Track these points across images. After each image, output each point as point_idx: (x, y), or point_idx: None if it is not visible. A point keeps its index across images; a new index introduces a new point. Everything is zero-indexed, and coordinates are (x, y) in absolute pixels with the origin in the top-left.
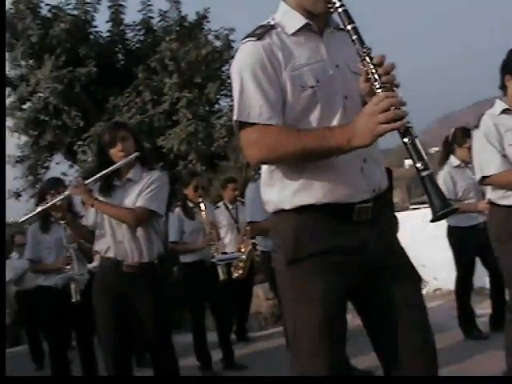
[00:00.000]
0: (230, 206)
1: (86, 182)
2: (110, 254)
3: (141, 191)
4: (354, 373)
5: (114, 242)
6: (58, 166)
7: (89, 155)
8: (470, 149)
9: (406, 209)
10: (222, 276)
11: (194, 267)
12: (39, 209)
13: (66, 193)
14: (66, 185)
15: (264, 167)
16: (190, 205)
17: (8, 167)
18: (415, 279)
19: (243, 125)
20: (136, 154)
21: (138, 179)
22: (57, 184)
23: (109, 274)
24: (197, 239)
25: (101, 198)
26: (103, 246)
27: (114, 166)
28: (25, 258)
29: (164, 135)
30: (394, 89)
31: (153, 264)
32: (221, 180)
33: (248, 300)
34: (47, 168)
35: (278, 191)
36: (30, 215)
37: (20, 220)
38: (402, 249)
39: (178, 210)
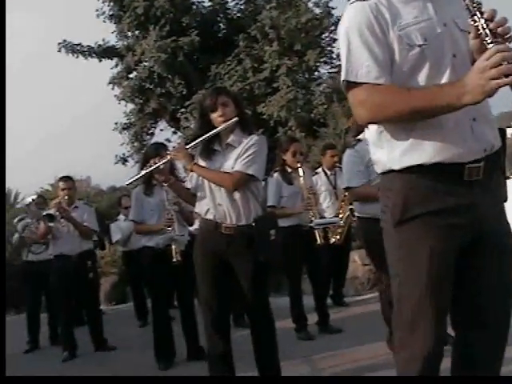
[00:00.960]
0: (329, 172)
1: (187, 146)
2: (210, 216)
3: (239, 155)
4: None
5: (214, 204)
6: (162, 133)
7: (191, 122)
8: None
9: (508, 178)
10: (319, 240)
11: (291, 231)
12: (143, 172)
13: (168, 157)
14: (169, 150)
15: (372, 128)
16: (289, 170)
17: (115, 134)
18: None
19: (351, 85)
20: (235, 119)
21: (238, 144)
22: (160, 149)
23: (208, 235)
24: (295, 204)
25: (201, 162)
26: (203, 208)
27: (214, 131)
28: (129, 220)
29: (264, 102)
30: (507, 43)
31: (250, 226)
32: (320, 146)
33: (345, 265)
34: (152, 134)
35: (387, 152)
36: (134, 178)
37: (125, 183)
38: (506, 216)
39: (276, 174)
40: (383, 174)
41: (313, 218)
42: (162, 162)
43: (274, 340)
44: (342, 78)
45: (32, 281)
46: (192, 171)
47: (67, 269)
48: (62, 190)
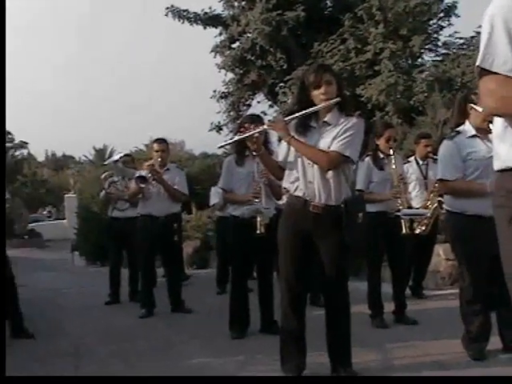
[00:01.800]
0: (421, 162)
1: (286, 119)
2: (299, 193)
3: (336, 135)
4: None
5: (304, 181)
6: (259, 105)
7: (289, 97)
8: None
9: None
10: (404, 230)
11: (377, 217)
12: (237, 137)
13: (264, 126)
14: (264, 123)
15: (498, 120)
16: (381, 155)
17: (212, 101)
18: None
19: (484, 72)
20: (337, 99)
21: (335, 123)
22: (255, 120)
23: (295, 211)
24: (383, 190)
25: (296, 137)
26: (292, 184)
27: (316, 108)
28: (219, 185)
29: (364, 84)
30: None
31: (339, 207)
32: (415, 135)
33: (428, 257)
34: (249, 105)
35: (508, 148)
36: (226, 142)
37: (217, 146)
38: None
39: (368, 159)
40: (501, 171)
41: (400, 207)
42: (257, 131)
43: (348, 324)
44: (477, 63)
45: (116, 237)
46: (289, 144)
47: (153, 229)
48: (156, 151)
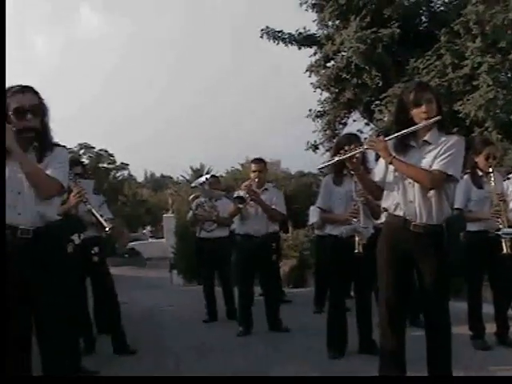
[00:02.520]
0: None
1: (386, 138)
2: (399, 212)
3: (438, 154)
4: None
5: (405, 201)
6: (355, 123)
7: (385, 115)
8: None
9: None
10: (505, 250)
11: (477, 236)
12: (337, 158)
13: (364, 146)
14: (362, 142)
15: None
16: (480, 173)
17: (308, 121)
18: None
19: None
20: (438, 117)
21: (435, 142)
22: (353, 139)
23: (396, 231)
24: (482, 208)
25: (397, 157)
26: (392, 203)
27: (417, 127)
28: (317, 205)
29: (462, 100)
30: None
31: (440, 226)
32: None
33: None
34: (344, 124)
35: None
36: (326, 163)
37: (317, 167)
38: None
39: (466, 177)
40: None
41: (501, 226)
42: (357, 151)
43: (449, 345)
44: None
45: (205, 257)
46: (391, 164)
47: (251, 248)
48: (253, 171)
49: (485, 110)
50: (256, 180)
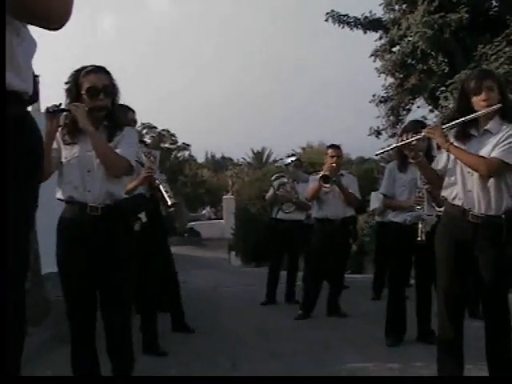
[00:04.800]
0: None
1: (444, 126)
2: (458, 202)
3: (498, 142)
4: None
5: (463, 190)
6: (419, 110)
7: (450, 102)
8: None
9: None
10: None
11: None
12: (394, 145)
13: (422, 134)
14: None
15: None
16: None
17: (372, 106)
18: None
19: None
20: (499, 105)
21: (497, 131)
22: (417, 126)
23: (454, 221)
24: None
25: (455, 144)
26: (451, 192)
27: (475, 114)
28: (380, 191)
29: None
30: None
31: (500, 217)
32: None
33: None
34: (408, 110)
35: None
36: (385, 149)
37: (375, 153)
38: None
39: None
40: None
41: None
42: (415, 138)
43: (509, 337)
44: None
45: (279, 238)
46: (448, 151)
47: (330, 232)
48: (332, 157)
49: None
50: (333, 165)
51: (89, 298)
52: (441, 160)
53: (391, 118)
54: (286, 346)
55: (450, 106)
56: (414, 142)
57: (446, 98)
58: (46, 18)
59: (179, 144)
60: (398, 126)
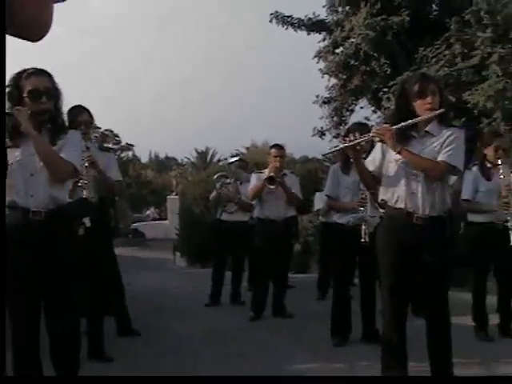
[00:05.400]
0: None
1: (393, 127)
2: (401, 205)
3: (442, 146)
4: None
5: (407, 192)
6: (362, 111)
7: (393, 103)
8: None
9: None
10: None
11: (484, 228)
12: (341, 145)
13: (370, 135)
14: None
15: None
16: (488, 165)
17: (315, 107)
18: None
19: None
20: (442, 110)
21: (437, 134)
22: (362, 128)
23: (398, 224)
24: (490, 200)
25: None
26: (393, 196)
27: (422, 118)
28: (324, 193)
29: (470, 90)
30: None
31: (442, 217)
32: None
33: None
34: (352, 111)
35: None
36: (331, 150)
37: (321, 154)
38: None
39: (475, 168)
40: None
41: (508, 218)
42: (363, 139)
43: (449, 335)
44: None
45: (222, 239)
46: (399, 154)
47: (272, 233)
48: (275, 157)
49: (493, 101)
50: (277, 166)
51: (33, 302)
52: (373, 161)
53: (335, 118)
54: (233, 347)
55: (392, 107)
56: (362, 143)
57: (388, 99)
58: (31, 30)
59: (123, 144)
60: (341, 127)
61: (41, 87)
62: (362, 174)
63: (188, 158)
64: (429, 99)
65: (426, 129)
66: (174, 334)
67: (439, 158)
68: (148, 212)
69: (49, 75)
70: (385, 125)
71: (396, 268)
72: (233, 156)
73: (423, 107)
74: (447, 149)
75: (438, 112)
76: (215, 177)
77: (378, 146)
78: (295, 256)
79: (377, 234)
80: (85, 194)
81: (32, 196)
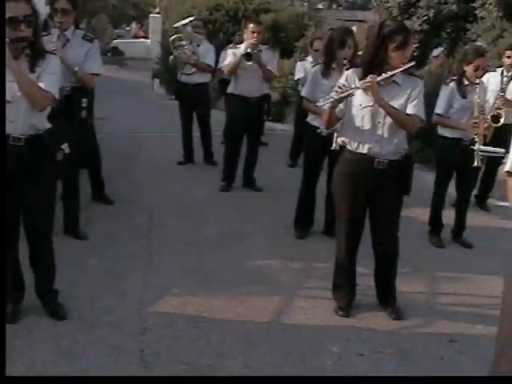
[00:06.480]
0: (505, 73)
1: (378, 79)
2: (363, 150)
3: (409, 97)
4: None
5: (370, 138)
6: None
7: None
8: None
9: None
10: (476, 163)
11: (452, 143)
12: (335, 97)
13: (360, 87)
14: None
15: None
16: (466, 83)
17: None
18: None
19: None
20: (413, 62)
21: (402, 83)
22: (347, 35)
23: (359, 168)
24: (463, 117)
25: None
26: (354, 140)
27: (402, 69)
28: (302, 93)
29: None
30: None
31: (401, 161)
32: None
33: (496, 165)
34: None
35: None
36: (325, 102)
37: (318, 104)
38: None
39: (452, 84)
40: None
41: (476, 139)
42: (352, 90)
43: (395, 273)
44: (506, 168)
45: (185, 102)
46: (380, 106)
47: (245, 109)
48: (253, 32)
49: None
50: (255, 42)
51: (13, 217)
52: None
53: None
54: (198, 220)
55: None
56: (351, 91)
57: None
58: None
59: None
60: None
61: (19, 15)
62: (330, 112)
63: None
64: (407, 52)
65: (394, 78)
66: (146, 201)
67: (410, 111)
68: (128, 28)
69: (28, 1)
70: (372, 76)
71: (354, 210)
72: (187, 17)
73: (400, 59)
74: (415, 102)
75: (411, 64)
76: (170, 39)
77: (342, 84)
78: (273, 105)
79: (334, 177)
80: None
81: (12, 122)
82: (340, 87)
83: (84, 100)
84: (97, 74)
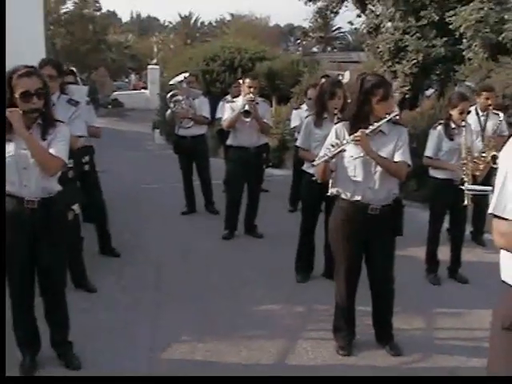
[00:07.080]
0: (481, 113)
1: (366, 131)
2: (357, 198)
3: (396, 146)
4: None
5: (365, 187)
6: (346, 14)
7: (378, 7)
8: None
9: None
10: (466, 202)
11: (443, 184)
12: (329, 155)
13: (350, 140)
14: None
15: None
16: (452, 126)
17: (300, 4)
18: None
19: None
20: (397, 112)
21: (388, 132)
22: (336, 86)
23: (354, 216)
24: (452, 159)
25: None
26: (347, 189)
27: (386, 120)
28: (297, 143)
29: (454, 10)
30: None
31: (391, 205)
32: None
33: (485, 204)
34: (336, 13)
35: None
36: (321, 159)
37: (312, 163)
38: None
39: (440, 128)
40: None
41: (465, 179)
42: (342, 147)
43: (391, 310)
44: (490, 210)
45: (184, 154)
46: (372, 158)
47: (245, 159)
48: (249, 87)
49: (474, 30)
50: (252, 98)
51: (28, 274)
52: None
53: (319, 20)
54: (205, 273)
55: (378, 11)
56: (337, 151)
57: (372, 3)
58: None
59: (103, 11)
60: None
61: (32, 89)
62: (325, 172)
63: (170, 23)
64: (389, 102)
65: (380, 128)
66: (151, 253)
67: (398, 159)
68: (127, 80)
69: (39, 75)
70: (361, 130)
71: (351, 258)
72: (182, 73)
73: (384, 110)
74: (401, 150)
75: (395, 113)
76: (167, 96)
77: (334, 142)
78: (272, 151)
79: (330, 225)
80: None
81: (26, 186)
82: (333, 145)
83: (86, 158)
84: (80, 136)
